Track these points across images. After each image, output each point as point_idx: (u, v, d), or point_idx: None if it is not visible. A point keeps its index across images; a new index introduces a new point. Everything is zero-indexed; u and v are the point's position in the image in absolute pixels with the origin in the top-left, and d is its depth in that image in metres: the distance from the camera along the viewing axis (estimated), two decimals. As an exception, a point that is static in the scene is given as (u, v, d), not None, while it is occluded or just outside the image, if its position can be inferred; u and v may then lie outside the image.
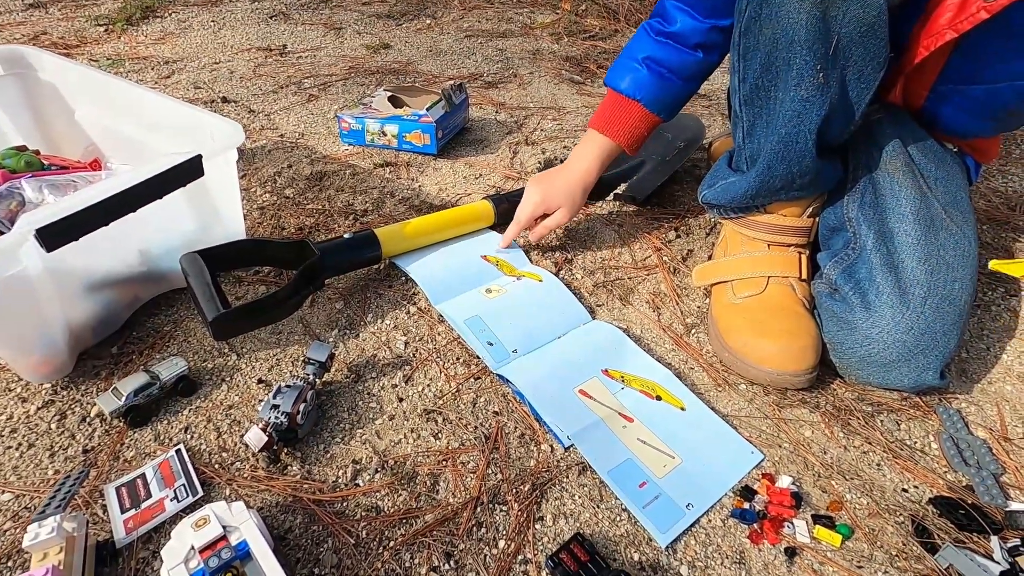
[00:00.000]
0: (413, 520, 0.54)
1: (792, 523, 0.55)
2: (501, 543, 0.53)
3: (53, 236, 0.57)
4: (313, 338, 0.73)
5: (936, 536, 0.54)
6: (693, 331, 0.77)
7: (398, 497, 0.56)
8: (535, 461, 0.60)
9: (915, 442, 0.63)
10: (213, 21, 1.84)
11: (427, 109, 1.12)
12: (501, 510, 0.55)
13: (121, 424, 0.62)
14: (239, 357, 0.71)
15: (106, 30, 1.75)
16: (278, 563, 0.44)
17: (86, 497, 0.55)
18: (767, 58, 0.63)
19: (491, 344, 0.72)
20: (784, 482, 0.58)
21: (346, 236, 0.79)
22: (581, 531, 0.54)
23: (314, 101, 1.38)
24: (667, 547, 0.53)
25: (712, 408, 0.66)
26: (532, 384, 0.66)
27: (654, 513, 0.55)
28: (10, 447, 0.60)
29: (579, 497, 0.57)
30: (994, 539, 0.53)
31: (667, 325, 0.78)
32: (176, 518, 0.53)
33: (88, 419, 0.63)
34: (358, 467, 0.59)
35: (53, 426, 0.62)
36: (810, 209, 0.75)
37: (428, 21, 1.97)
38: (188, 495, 0.55)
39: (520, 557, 0.52)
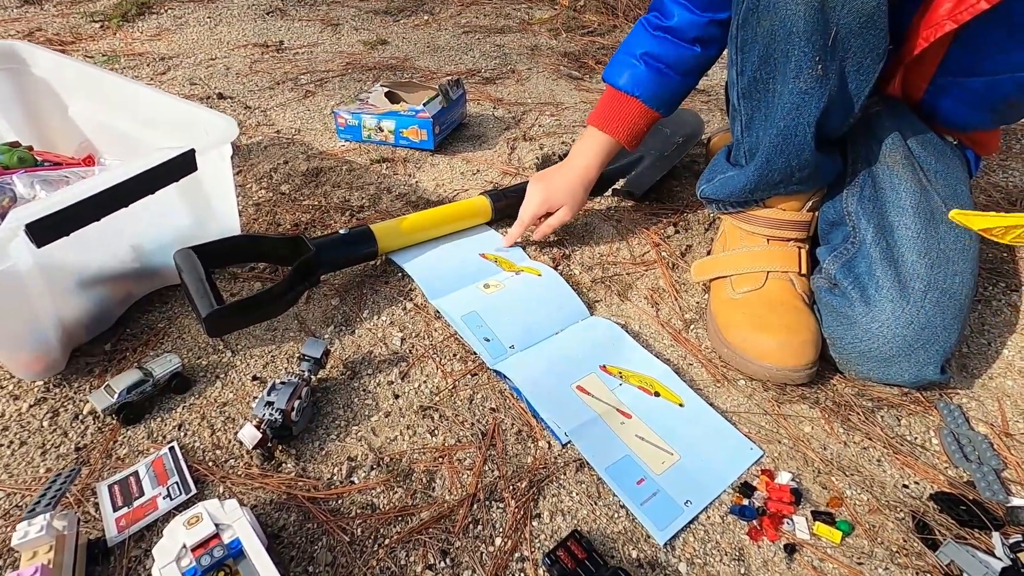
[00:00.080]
0: (409, 517, 0.54)
1: (792, 519, 0.54)
2: (498, 540, 0.52)
3: (43, 231, 0.56)
4: (308, 334, 0.73)
5: (937, 532, 0.53)
6: (692, 327, 0.76)
7: (394, 494, 0.56)
8: (532, 458, 0.59)
9: (916, 438, 0.63)
10: (209, 17, 1.83)
11: (424, 105, 1.12)
12: (498, 507, 0.55)
13: (114, 421, 0.61)
14: (233, 354, 0.70)
15: (101, 26, 1.74)
16: (271, 561, 0.44)
17: (78, 495, 0.55)
18: (765, 50, 0.63)
19: (488, 340, 0.71)
20: (783, 478, 0.58)
21: (342, 232, 0.79)
22: (578, 528, 0.53)
23: (310, 97, 1.37)
24: (665, 544, 0.52)
25: (711, 404, 0.65)
26: (529, 380, 0.66)
27: (652, 510, 0.55)
28: (1, 444, 0.59)
29: (576, 494, 0.56)
30: (995, 535, 0.52)
31: (666, 321, 0.77)
32: (169, 516, 0.53)
33: (81, 416, 0.62)
34: (353, 464, 0.58)
35: (45, 424, 0.61)
36: (809, 203, 0.74)
37: (425, 17, 1.96)
38: (181, 493, 0.54)
39: (517, 555, 0.51)
